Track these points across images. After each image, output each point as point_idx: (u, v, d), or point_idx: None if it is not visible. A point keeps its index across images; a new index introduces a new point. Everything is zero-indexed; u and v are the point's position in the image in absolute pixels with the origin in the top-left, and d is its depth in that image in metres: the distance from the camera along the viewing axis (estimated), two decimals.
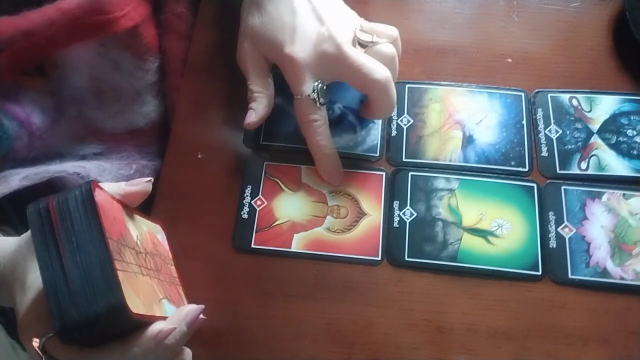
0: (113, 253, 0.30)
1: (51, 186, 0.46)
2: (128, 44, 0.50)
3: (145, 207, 0.42)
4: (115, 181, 0.39)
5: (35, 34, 0.44)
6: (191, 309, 0.36)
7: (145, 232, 0.40)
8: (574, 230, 0.46)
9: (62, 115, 0.51)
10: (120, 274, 0.30)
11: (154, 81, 0.54)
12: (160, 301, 0.36)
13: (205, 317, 0.38)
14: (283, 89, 0.48)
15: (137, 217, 0.39)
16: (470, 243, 0.46)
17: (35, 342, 0.30)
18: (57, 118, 0.50)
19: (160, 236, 0.43)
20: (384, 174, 0.49)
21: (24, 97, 0.48)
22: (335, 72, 0.45)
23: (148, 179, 0.38)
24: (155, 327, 0.33)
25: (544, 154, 0.49)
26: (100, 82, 0.52)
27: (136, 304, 0.31)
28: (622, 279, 0.45)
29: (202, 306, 0.38)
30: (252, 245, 0.47)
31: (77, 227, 0.31)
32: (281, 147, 0.51)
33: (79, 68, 0.50)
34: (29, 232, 0.33)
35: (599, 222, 0.47)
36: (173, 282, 0.42)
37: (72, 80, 0.51)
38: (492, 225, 0.47)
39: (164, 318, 0.35)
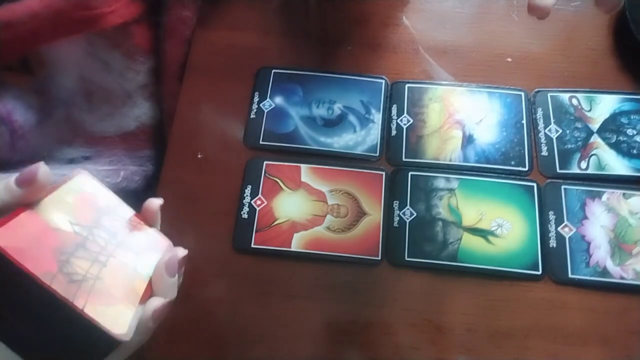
0: (63, 289, 0.25)
1: None
2: (118, 44, 0.49)
3: None
4: None
5: (17, 26, 0.41)
6: (169, 261, 0.34)
7: (71, 203, 0.31)
8: (574, 230, 0.46)
9: (48, 116, 0.49)
10: (87, 308, 0.26)
11: (145, 83, 0.53)
12: (136, 266, 0.33)
13: (186, 251, 0.36)
14: (282, 89, 0.48)
15: (51, 196, 0.29)
16: (470, 243, 0.46)
17: None
18: (43, 118, 0.49)
19: (89, 185, 0.33)
20: (383, 173, 0.49)
21: (6, 93, 0.46)
22: None
23: (160, 201, 0.37)
24: (149, 309, 0.32)
25: (544, 153, 0.49)
26: (89, 82, 0.50)
27: (117, 314, 0.28)
28: (622, 278, 0.45)
29: (181, 250, 0.35)
30: (252, 245, 0.47)
31: (7, 296, 0.25)
32: (281, 147, 0.51)
33: (66, 67, 0.49)
34: None
35: (599, 221, 0.47)
36: (136, 228, 0.35)
37: (59, 79, 0.49)
38: (492, 225, 0.47)
39: (150, 287, 0.32)
